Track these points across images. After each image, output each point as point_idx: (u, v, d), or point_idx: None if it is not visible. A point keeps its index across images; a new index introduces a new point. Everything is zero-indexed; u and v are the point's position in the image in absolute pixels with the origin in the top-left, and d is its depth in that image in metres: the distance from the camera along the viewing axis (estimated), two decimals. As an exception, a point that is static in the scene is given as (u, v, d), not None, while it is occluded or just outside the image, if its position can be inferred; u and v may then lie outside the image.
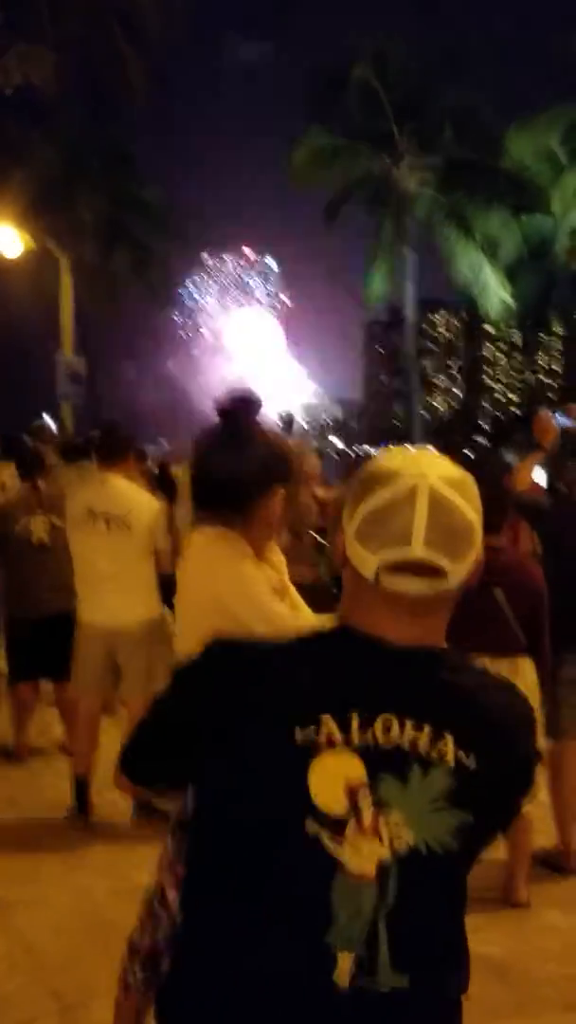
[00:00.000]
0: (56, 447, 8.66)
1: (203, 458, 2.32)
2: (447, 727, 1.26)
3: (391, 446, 3.86)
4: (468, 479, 1.32)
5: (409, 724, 1.26)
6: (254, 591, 2.19)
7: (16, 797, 5.16)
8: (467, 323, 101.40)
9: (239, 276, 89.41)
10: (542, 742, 4.03)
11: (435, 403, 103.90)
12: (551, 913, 4.01)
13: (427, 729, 1.26)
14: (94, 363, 27.86)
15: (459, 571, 1.27)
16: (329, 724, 1.25)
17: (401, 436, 28.19)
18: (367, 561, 1.27)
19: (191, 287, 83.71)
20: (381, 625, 1.29)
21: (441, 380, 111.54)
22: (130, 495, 4.71)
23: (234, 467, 2.24)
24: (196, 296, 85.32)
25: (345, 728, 1.25)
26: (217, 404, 2.31)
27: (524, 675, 3.98)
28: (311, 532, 12.46)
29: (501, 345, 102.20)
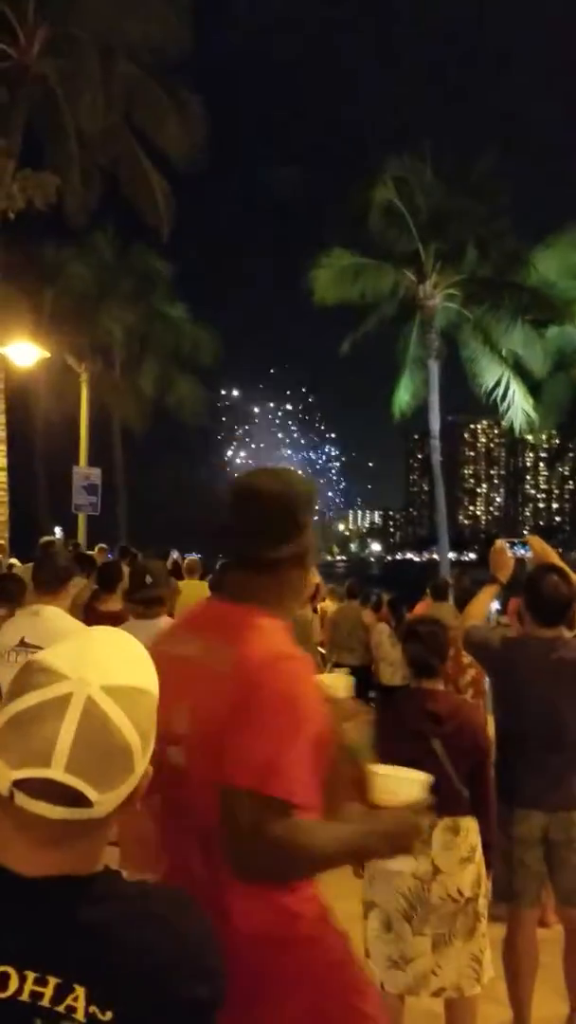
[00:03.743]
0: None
1: None
2: (77, 978, 1.05)
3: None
4: (141, 688, 1.14)
5: (31, 977, 1.04)
6: None
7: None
8: (509, 432, 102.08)
9: (272, 387, 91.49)
10: (483, 907, 3.68)
11: (477, 511, 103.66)
12: None
13: (52, 982, 1.05)
14: (127, 473, 28.17)
15: (109, 801, 1.09)
16: None
17: (436, 543, 27.84)
18: (1, 775, 1.08)
19: (227, 397, 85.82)
20: (9, 851, 1.09)
21: (483, 488, 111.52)
22: (64, 628, 4.50)
23: None
24: (231, 405, 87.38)
25: None
26: None
27: (467, 837, 3.63)
28: (317, 647, 12.14)
29: (542, 454, 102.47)
